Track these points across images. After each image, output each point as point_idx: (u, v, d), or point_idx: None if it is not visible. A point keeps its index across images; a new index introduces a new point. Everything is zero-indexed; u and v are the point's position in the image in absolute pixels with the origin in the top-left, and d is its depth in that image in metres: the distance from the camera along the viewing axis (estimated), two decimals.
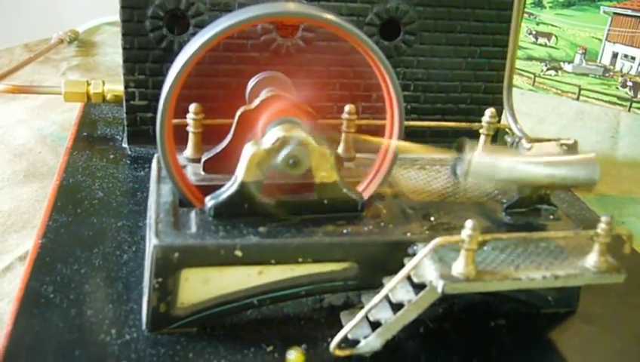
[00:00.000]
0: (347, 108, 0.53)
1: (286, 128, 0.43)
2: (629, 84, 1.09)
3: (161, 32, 0.62)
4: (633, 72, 1.08)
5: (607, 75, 1.09)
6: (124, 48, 0.62)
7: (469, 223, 0.39)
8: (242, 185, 0.43)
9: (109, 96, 0.68)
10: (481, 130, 0.55)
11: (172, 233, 0.42)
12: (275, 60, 0.65)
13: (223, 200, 0.43)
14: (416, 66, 0.68)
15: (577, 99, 1.13)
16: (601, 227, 0.41)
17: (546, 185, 0.44)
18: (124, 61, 0.62)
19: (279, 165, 0.42)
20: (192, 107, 0.50)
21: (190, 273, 0.42)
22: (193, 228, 0.42)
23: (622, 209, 0.74)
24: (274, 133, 0.42)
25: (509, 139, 0.49)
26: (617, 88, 1.10)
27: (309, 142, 0.42)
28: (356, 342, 0.42)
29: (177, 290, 0.42)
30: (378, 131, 0.51)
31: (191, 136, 0.51)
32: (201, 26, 0.62)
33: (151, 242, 0.41)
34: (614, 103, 1.10)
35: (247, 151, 0.42)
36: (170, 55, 0.63)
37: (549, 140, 0.46)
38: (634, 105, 1.09)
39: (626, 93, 1.09)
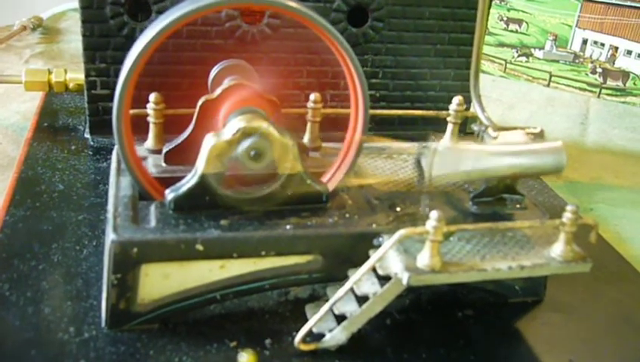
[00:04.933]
0: (312, 96, 0.52)
1: (247, 119, 0.41)
2: (599, 70, 1.09)
3: (122, 19, 0.60)
4: (603, 58, 1.08)
5: (577, 61, 1.10)
6: (83, 35, 0.60)
7: (433, 214, 0.38)
8: (202, 177, 0.42)
9: (71, 85, 0.66)
10: (448, 118, 0.55)
11: (131, 227, 0.40)
12: (241, 48, 0.63)
13: (183, 193, 0.42)
14: (385, 53, 0.67)
15: (548, 85, 1.13)
16: (567, 216, 0.41)
17: (512, 175, 0.44)
18: (85, 49, 0.61)
19: (240, 157, 0.41)
20: (152, 96, 0.49)
21: (150, 268, 0.40)
22: (153, 222, 0.41)
23: (591, 195, 0.74)
24: (234, 124, 0.41)
25: (475, 127, 0.49)
26: (587, 75, 1.10)
27: (270, 132, 0.41)
28: (321, 336, 0.42)
29: (137, 286, 0.41)
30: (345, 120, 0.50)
31: (152, 127, 0.49)
32: (163, 12, 0.60)
33: (109, 237, 0.40)
34: (584, 90, 1.11)
35: (207, 142, 0.41)
36: (132, 42, 0.60)
37: (515, 128, 0.46)
38: (603, 91, 1.10)
39: (596, 80, 1.09)
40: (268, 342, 0.42)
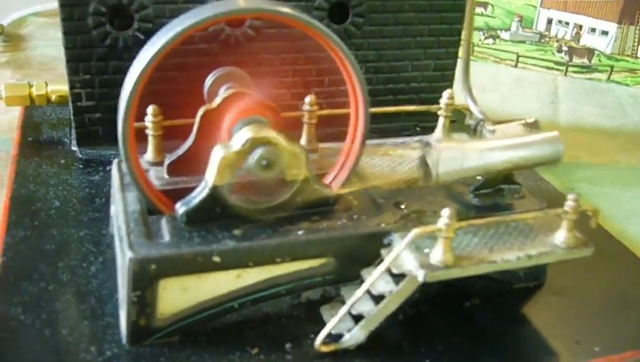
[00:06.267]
0: (307, 99, 0.53)
1: (254, 129, 0.42)
2: (565, 48, 1.12)
3: (105, 29, 0.59)
4: (568, 37, 1.10)
5: (542, 41, 1.12)
6: (66, 48, 0.59)
7: (445, 212, 0.40)
8: (213, 189, 0.42)
9: (53, 98, 0.65)
10: (439, 112, 0.56)
11: (146, 244, 0.41)
12: (225, 51, 0.63)
13: (195, 206, 0.42)
14: (367, 48, 0.68)
15: (515, 66, 1.15)
16: (569, 204, 0.43)
17: (514, 167, 0.45)
18: (68, 61, 0.60)
19: (252, 167, 0.41)
20: (150, 109, 0.49)
21: (168, 283, 0.41)
22: (167, 237, 0.41)
23: (571, 175, 0.77)
24: (242, 135, 0.42)
25: (471, 121, 0.50)
26: (553, 53, 1.13)
27: (279, 141, 0.42)
28: (340, 336, 0.43)
29: (156, 302, 0.41)
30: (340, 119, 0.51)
31: (151, 139, 0.49)
32: (145, 20, 0.60)
33: (126, 255, 0.40)
34: (551, 68, 1.13)
35: (217, 154, 0.41)
36: (116, 52, 0.61)
37: (510, 121, 0.47)
38: (570, 69, 1.13)
39: (562, 58, 1.12)
40: (288, 346, 0.42)
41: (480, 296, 0.48)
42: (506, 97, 1.02)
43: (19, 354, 0.40)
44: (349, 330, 0.42)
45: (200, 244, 0.41)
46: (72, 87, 0.61)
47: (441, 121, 0.56)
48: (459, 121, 0.71)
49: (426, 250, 0.41)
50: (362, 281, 0.44)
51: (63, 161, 0.61)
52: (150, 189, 0.44)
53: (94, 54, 0.60)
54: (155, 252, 0.40)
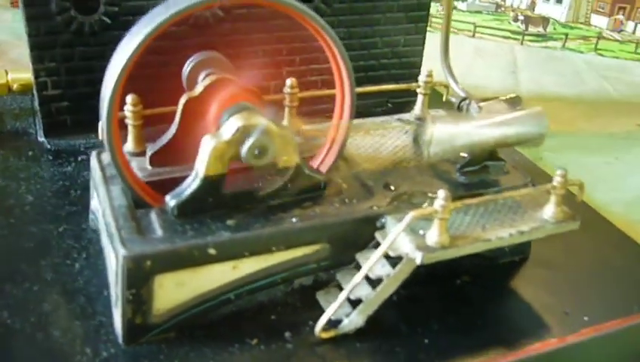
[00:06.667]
0: (289, 82, 0.52)
1: (244, 116, 0.41)
2: (520, 18, 1.13)
3: (70, 14, 0.57)
4: (523, 6, 1.12)
5: (499, 10, 1.13)
6: (29, 35, 0.57)
7: (441, 193, 0.40)
8: (205, 180, 0.41)
9: (15, 87, 0.63)
10: (418, 90, 0.56)
11: (138, 240, 0.39)
12: (194, 33, 0.61)
13: (186, 198, 0.41)
14: (338, 26, 0.67)
15: (473, 36, 1.16)
16: (557, 180, 0.43)
17: (501, 145, 0.45)
18: (32, 49, 0.57)
19: (245, 156, 0.40)
20: (130, 98, 0.47)
21: (164, 279, 0.40)
22: (159, 232, 0.40)
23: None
24: (232, 123, 0.41)
25: (453, 99, 0.50)
26: (510, 23, 1.14)
27: (270, 128, 0.41)
28: (338, 322, 0.43)
29: (152, 298, 0.40)
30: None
31: (131, 130, 0.48)
32: (112, 3, 0.58)
33: (119, 253, 0.39)
34: (507, 38, 1.15)
35: (207, 144, 0.40)
36: (81, 38, 0.58)
37: (494, 98, 0.47)
38: (526, 38, 1.14)
39: (518, 27, 1.13)
40: (288, 334, 0.42)
41: (469, 273, 0.49)
42: (468, 68, 1.03)
43: (11, 360, 0.39)
44: (347, 315, 0.42)
45: (194, 237, 0.40)
46: (37, 76, 0.58)
47: (420, 98, 0.56)
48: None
49: (421, 232, 0.41)
50: (357, 265, 0.44)
51: (30, 153, 0.59)
52: (136, 182, 0.43)
53: (59, 41, 0.58)
54: (150, 248, 0.39)
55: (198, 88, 0.45)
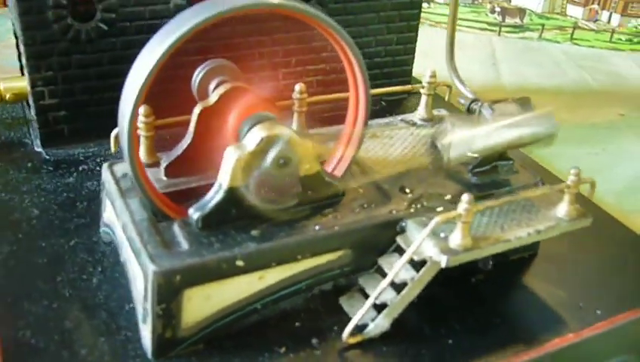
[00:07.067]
0: (297, 87, 0.52)
1: (267, 127, 0.41)
2: (497, 9, 1.14)
3: (66, 22, 0.56)
4: None
5: (476, 2, 1.14)
6: (25, 45, 0.55)
7: (465, 197, 0.40)
8: (229, 191, 0.41)
9: (8, 96, 0.61)
10: (422, 90, 0.56)
11: (166, 255, 0.39)
12: (192, 36, 0.61)
13: (211, 210, 0.41)
14: None
15: None
16: (571, 179, 0.44)
17: (514, 146, 0.46)
18: (28, 59, 0.56)
19: (269, 167, 0.40)
20: (142, 109, 0.46)
21: (192, 292, 0.40)
22: (185, 245, 0.40)
23: None
24: (256, 134, 0.40)
25: (462, 101, 0.51)
26: (487, 15, 1.15)
27: (293, 138, 0.41)
28: (364, 327, 0.43)
29: (181, 312, 0.40)
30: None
31: (143, 141, 0.47)
32: (108, 10, 0.57)
33: (148, 269, 0.38)
34: (485, 30, 1.16)
35: (231, 155, 0.40)
36: (78, 46, 0.57)
37: (504, 100, 0.48)
38: (503, 29, 1.16)
39: (495, 19, 1.14)
40: (315, 341, 0.42)
41: (482, 272, 0.50)
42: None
43: None
44: (372, 320, 0.43)
45: (221, 250, 0.40)
46: (33, 86, 0.57)
47: (423, 99, 0.56)
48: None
49: (442, 235, 0.42)
50: (378, 269, 0.44)
51: (30, 165, 0.58)
52: (156, 194, 0.43)
53: (56, 49, 0.56)
54: (179, 262, 0.39)
55: (213, 97, 0.45)
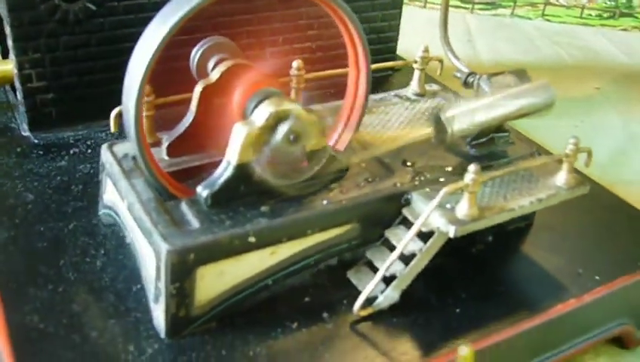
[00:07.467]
0: (295, 64, 0.51)
1: (275, 102, 0.41)
2: None
3: (53, 3, 0.55)
4: None
5: None
6: (12, 26, 0.54)
7: (472, 167, 0.41)
8: (238, 167, 0.41)
9: None
10: (415, 65, 0.57)
11: (179, 234, 0.39)
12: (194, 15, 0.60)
13: (220, 187, 0.41)
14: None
15: (424, 6, 1.18)
16: (570, 148, 0.45)
17: (514, 117, 0.47)
18: (14, 41, 0.55)
19: (279, 142, 0.40)
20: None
21: (205, 270, 0.40)
22: (196, 223, 0.40)
23: None
24: (265, 109, 0.40)
25: (458, 75, 0.51)
26: None
27: (300, 113, 0.41)
28: (373, 299, 0.43)
29: (194, 290, 0.40)
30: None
31: (144, 120, 0.46)
32: None
33: (160, 248, 0.38)
34: (458, 7, 1.17)
35: (240, 131, 0.40)
36: (66, 27, 0.56)
37: (501, 73, 0.49)
38: (475, 6, 1.16)
39: None
40: (325, 315, 0.43)
41: (482, 241, 0.50)
42: (427, 40, 1.04)
43: None
44: (381, 292, 0.43)
45: (233, 226, 0.40)
46: (20, 69, 0.56)
47: (416, 73, 0.57)
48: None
49: (448, 205, 0.43)
50: (385, 242, 0.45)
51: (19, 150, 0.57)
52: (162, 174, 0.42)
53: (44, 31, 0.55)
54: (192, 241, 0.39)
55: (215, 75, 0.44)
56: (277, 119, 0.40)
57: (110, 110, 0.47)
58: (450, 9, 1.16)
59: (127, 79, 0.40)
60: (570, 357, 0.47)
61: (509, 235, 0.52)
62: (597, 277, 0.48)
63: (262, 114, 0.40)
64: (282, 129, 0.40)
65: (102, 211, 0.49)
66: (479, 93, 0.47)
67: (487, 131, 0.50)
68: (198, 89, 0.44)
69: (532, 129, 0.76)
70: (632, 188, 0.69)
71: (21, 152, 0.56)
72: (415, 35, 1.06)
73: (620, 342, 0.50)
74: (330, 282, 0.45)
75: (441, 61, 0.57)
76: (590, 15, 1.15)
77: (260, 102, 0.41)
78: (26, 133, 0.59)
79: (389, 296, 0.43)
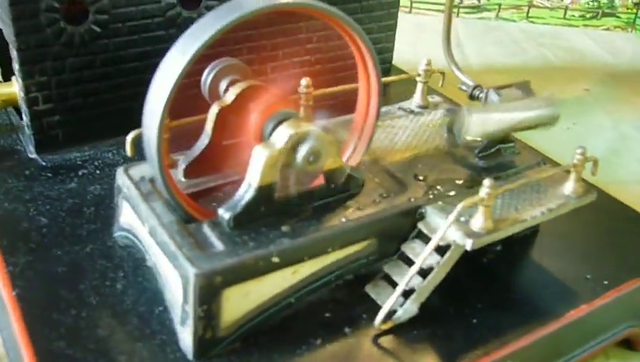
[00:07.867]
0: (304, 81, 0.52)
1: (294, 124, 0.41)
2: None
3: (59, 26, 0.55)
4: None
5: None
6: (19, 50, 0.54)
7: (487, 182, 0.42)
8: (259, 189, 0.41)
9: None
10: (418, 78, 0.57)
11: (204, 257, 0.39)
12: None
13: (242, 209, 0.41)
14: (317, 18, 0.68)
15: (410, 12, 1.19)
16: (577, 158, 0.47)
17: (523, 127, 0.48)
18: (21, 64, 0.55)
19: (300, 163, 0.41)
20: None
21: (231, 292, 0.40)
22: (220, 246, 0.41)
23: None
24: (284, 131, 0.41)
25: (463, 87, 0.52)
26: None
27: (319, 134, 0.42)
28: (393, 313, 0.44)
29: (220, 312, 0.40)
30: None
31: None
32: (101, 12, 0.56)
33: (188, 272, 0.39)
34: (443, 11, 1.18)
35: (260, 154, 0.41)
36: (72, 49, 0.56)
37: (506, 86, 0.50)
38: (461, 10, 1.18)
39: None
40: (347, 330, 0.44)
41: (491, 251, 0.52)
42: (414, 46, 1.06)
43: None
44: (400, 305, 0.44)
45: (257, 248, 0.40)
46: (27, 92, 0.56)
47: (419, 86, 0.58)
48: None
49: (462, 219, 0.44)
50: (402, 256, 0.46)
51: (27, 172, 0.57)
52: (182, 197, 0.43)
53: (50, 54, 0.55)
54: (219, 263, 0.39)
55: (229, 97, 0.45)
56: (297, 141, 0.41)
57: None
58: (435, 13, 1.18)
59: (148, 108, 0.40)
60: (582, 361, 0.49)
61: (517, 243, 0.53)
62: (605, 282, 0.49)
63: (282, 136, 0.41)
64: (302, 150, 0.41)
65: (117, 233, 0.49)
66: (487, 105, 0.48)
67: (493, 142, 0.51)
68: (213, 111, 0.45)
69: (527, 133, 0.77)
70: (626, 188, 0.71)
71: (30, 175, 0.56)
72: (403, 41, 1.07)
73: (628, 344, 0.51)
74: (348, 297, 0.46)
75: (443, 73, 0.58)
76: (573, 16, 1.18)
77: (279, 124, 0.42)
78: (33, 156, 0.59)
79: (408, 310, 0.44)
